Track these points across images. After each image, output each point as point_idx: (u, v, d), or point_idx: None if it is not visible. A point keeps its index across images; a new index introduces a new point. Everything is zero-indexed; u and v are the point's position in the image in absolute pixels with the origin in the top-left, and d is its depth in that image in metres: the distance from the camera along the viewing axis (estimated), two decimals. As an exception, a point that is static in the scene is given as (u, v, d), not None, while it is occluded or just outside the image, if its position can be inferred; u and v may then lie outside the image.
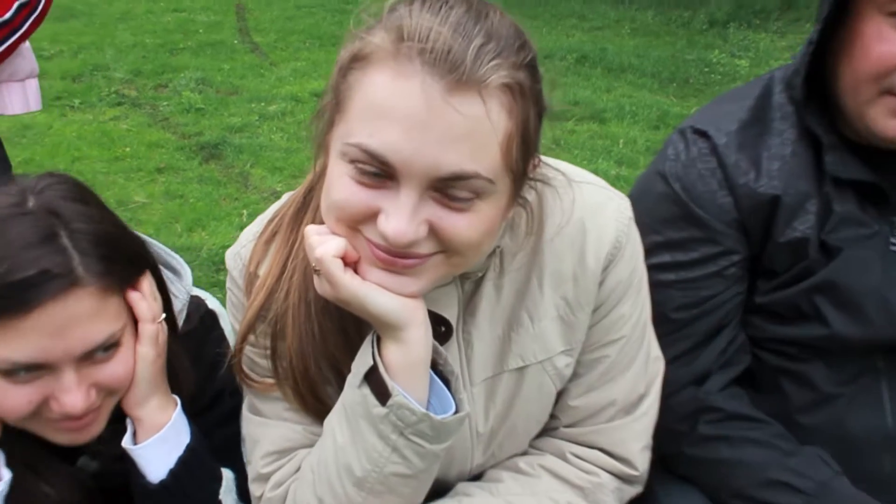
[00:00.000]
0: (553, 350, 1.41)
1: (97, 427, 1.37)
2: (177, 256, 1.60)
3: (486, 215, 1.15)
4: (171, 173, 5.42)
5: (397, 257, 1.15)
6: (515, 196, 1.23)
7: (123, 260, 1.34)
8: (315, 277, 1.23)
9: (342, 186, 1.14)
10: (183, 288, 1.55)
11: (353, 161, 1.12)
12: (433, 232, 1.13)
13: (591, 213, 1.38)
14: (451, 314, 1.36)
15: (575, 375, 1.45)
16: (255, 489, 1.45)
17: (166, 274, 1.53)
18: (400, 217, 1.10)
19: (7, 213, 1.25)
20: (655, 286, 1.54)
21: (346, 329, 1.32)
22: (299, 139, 5.97)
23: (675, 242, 1.56)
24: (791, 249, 1.51)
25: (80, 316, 1.26)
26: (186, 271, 1.59)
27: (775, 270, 1.54)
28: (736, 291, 1.57)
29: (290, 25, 9.23)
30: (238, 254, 1.42)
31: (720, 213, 1.52)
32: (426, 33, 1.06)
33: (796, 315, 1.53)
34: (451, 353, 1.37)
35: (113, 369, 1.34)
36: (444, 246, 1.15)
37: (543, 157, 1.32)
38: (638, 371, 1.46)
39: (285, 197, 1.44)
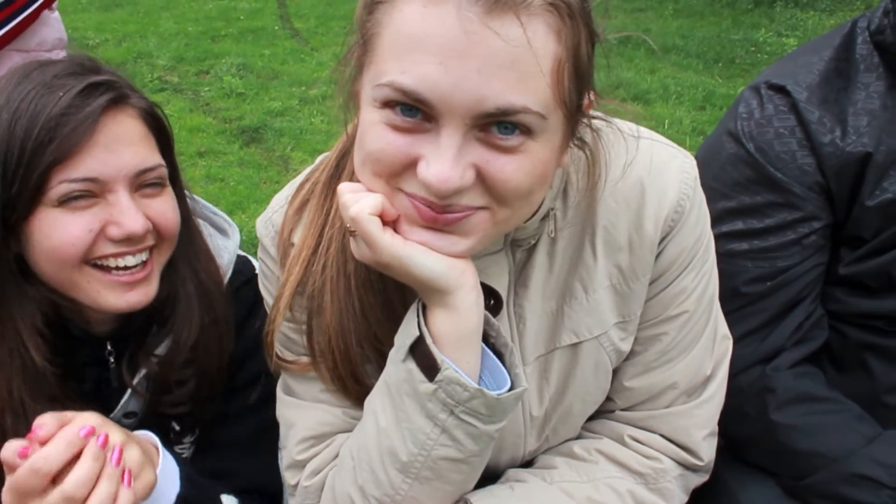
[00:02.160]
0: (607, 323, 1.27)
1: (149, 288, 1.33)
2: (223, 215, 1.55)
3: (538, 158, 1.01)
4: (211, 157, 5.39)
5: (441, 213, 1.01)
6: (570, 136, 1.08)
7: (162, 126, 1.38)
8: (351, 240, 1.10)
9: (376, 135, 1.00)
10: (230, 245, 1.49)
11: (386, 104, 0.98)
12: (480, 179, 0.99)
13: (651, 171, 1.22)
14: (500, 285, 1.22)
15: (631, 353, 1.31)
16: (289, 477, 1.32)
17: (210, 230, 1.49)
18: (443, 161, 0.96)
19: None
20: (725, 256, 1.42)
21: (390, 303, 1.19)
22: (340, 122, 5.90)
23: (749, 208, 1.44)
24: (881, 213, 1.38)
25: (130, 134, 1.29)
26: (234, 230, 1.53)
27: (862, 237, 1.41)
28: (816, 262, 1.44)
29: (330, 11, 9.18)
30: (270, 220, 1.30)
31: (800, 176, 1.40)
32: None
33: (886, 285, 1.40)
34: (502, 328, 1.21)
35: (162, 207, 1.33)
36: (492, 194, 1.01)
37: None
38: (702, 351, 1.31)
39: (319, 160, 1.31)
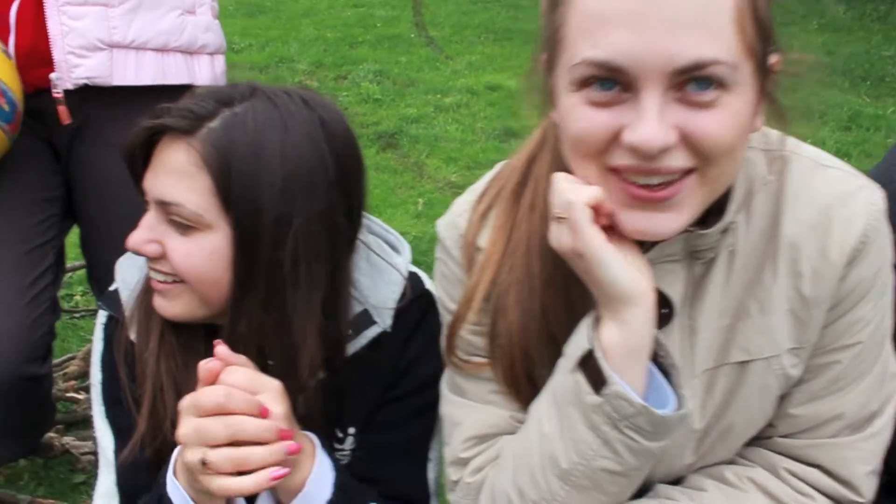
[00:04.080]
0: (781, 347, 1.27)
1: (170, 304, 1.36)
2: (395, 233, 1.57)
3: (736, 110, 1.05)
4: (349, 161, 5.52)
5: (652, 191, 1.06)
6: (762, 91, 1.11)
7: (245, 185, 1.27)
8: (552, 227, 1.14)
9: (579, 116, 1.07)
10: (403, 262, 1.51)
11: (584, 84, 1.05)
12: (683, 139, 1.04)
13: (839, 201, 1.24)
14: (674, 295, 1.25)
15: (800, 381, 1.30)
16: (452, 473, 1.38)
17: (384, 248, 1.51)
18: (646, 121, 1.01)
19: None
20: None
21: (572, 303, 1.23)
22: (474, 131, 5.99)
23: None
24: None
25: (171, 165, 1.30)
26: (405, 247, 1.55)
27: None
28: None
29: (465, 20, 9.30)
30: (453, 223, 1.36)
31: None
32: None
33: None
34: (673, 340, 1.26)
35: (175, 246, 1.32)
36: (697, 154, 1.05)
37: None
38: (872, 385, 1.29)
39: (497, 168, 1.38)
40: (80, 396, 2.98)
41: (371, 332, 1.45)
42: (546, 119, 1.26)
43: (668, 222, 1.09)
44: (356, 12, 9.71)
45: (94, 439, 2.66)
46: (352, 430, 1.52)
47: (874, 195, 1.26)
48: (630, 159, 1.05)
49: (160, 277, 1.36)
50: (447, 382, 1.41)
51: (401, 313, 1.48)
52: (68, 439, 2.77)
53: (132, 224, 1.54)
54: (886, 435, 1.31)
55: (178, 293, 1.36)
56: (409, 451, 1.53)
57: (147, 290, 1.44)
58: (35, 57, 1.81)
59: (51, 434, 2.71)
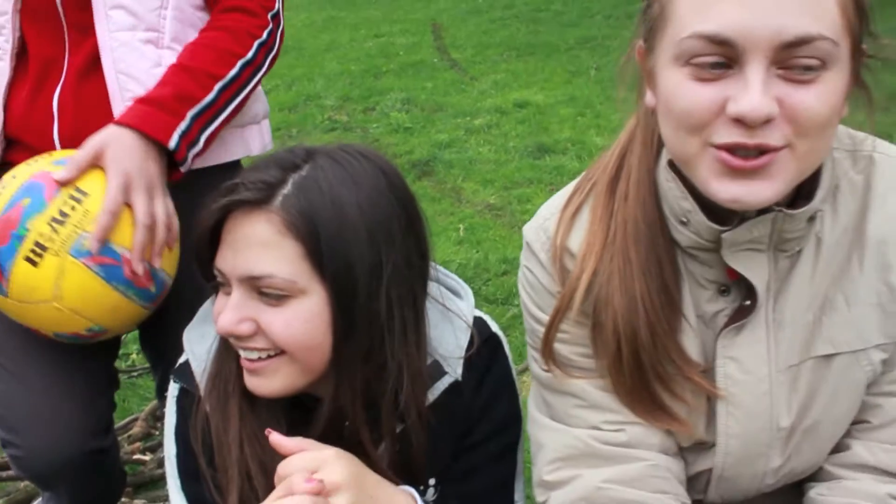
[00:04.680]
0: (869, 341, 1.27)
1: (268, 384, 1.33)
2: (455, 277, 1.56)
3: (833, 87, 1.07)
4: (386, 193, 5.52)
5: (747, 160, 1.07)
6: (855, 73, 1.13)
7: (329, 234, 1.27)
8: None
9: (683, 92, 1.09)
10: (466, 309, 1.50)
11: (690, 59, 1.08)
12: (782, 112, 1.06)
13: None
14: (759, 285, 1.25)
15: (887, 369, 1.30)
16: (538, 494, 1.40)
17: (447, 295, 1.50)
18: (752, 91, 1.04)
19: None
20: None
21: (667, 290, 1.25)
22: (507, 150, 5.96)
23: None
24: None
25: (252, 238, 1.28)
26: (468, 292, 1.54)
27: None
28: None
29: (486, 39, 9.31)
30: (541, 227, 1.37)
31: None
32: None
33: None
34: (758, 334, 1.26)
35: (270, 318, 1.29)
36: (793, 127, 1.07)
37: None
38: None
39: (584, 174, 1.39)
40: (147, 458, 2.99)
41: (443, 383, 1.44)
42: (635, 113, 1.29)
43: (762, 190, 1.10)
44: (377, 42, 9.77)
45: (163, 500, 2.69)
46: (432, 482, 1.50)
47: None
48: (732, 136, 1.07)
49: (253, 356, 1.33)
50: (534, 400, 1.42)
51: (470, 360, 1.46)
52: (139, 502, 2.77)
53: (186, 293, 1.52)
54: None
55: (275, 368, 1.33)
56: (492, 497, 1.51)
57: (220, 372, 1.42)
58: (78, 142, 1.82)
59: (123, 499, 2.72)
